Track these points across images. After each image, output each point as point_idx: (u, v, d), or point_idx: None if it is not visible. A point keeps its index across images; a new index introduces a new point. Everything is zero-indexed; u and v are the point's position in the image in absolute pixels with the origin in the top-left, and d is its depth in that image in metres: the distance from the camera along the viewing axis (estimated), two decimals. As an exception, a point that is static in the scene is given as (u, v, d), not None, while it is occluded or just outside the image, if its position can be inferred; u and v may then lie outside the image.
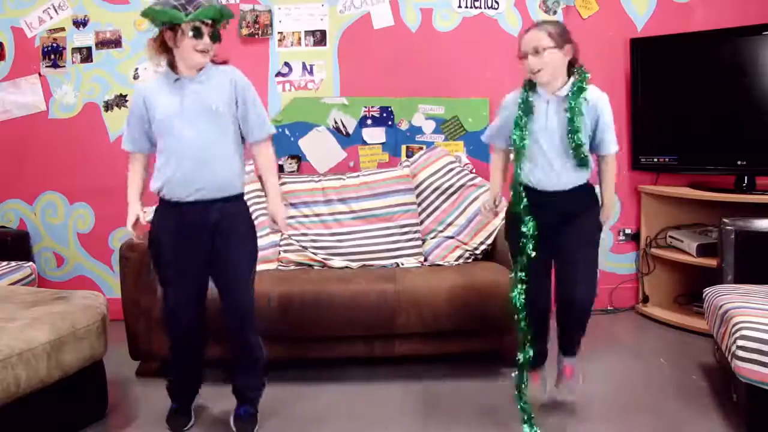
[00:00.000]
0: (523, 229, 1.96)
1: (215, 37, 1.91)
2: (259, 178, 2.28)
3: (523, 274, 1.98)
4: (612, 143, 2.06)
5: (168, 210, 2.01)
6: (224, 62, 2.02)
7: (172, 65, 1.95)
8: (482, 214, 2.26)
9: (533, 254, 1.95)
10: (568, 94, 1.97)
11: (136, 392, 2.48)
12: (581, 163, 1.99)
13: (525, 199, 1.99)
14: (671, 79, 3.20)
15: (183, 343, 2.13)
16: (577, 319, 2.08)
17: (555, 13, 3.32)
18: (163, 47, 1.92)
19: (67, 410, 2.10)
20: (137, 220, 2.05)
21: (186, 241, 1.99)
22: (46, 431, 2.03)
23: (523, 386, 2.02)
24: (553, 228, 2.00)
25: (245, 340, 2.09)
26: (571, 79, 1.99)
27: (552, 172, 2.00)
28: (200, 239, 1.98)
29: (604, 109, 2.02)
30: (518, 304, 1.98)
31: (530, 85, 2.01)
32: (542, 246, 1.97)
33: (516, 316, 1.99)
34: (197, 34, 1.87)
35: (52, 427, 2.04)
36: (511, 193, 2.04)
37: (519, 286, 1.98)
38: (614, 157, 2.11)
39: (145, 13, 1.90)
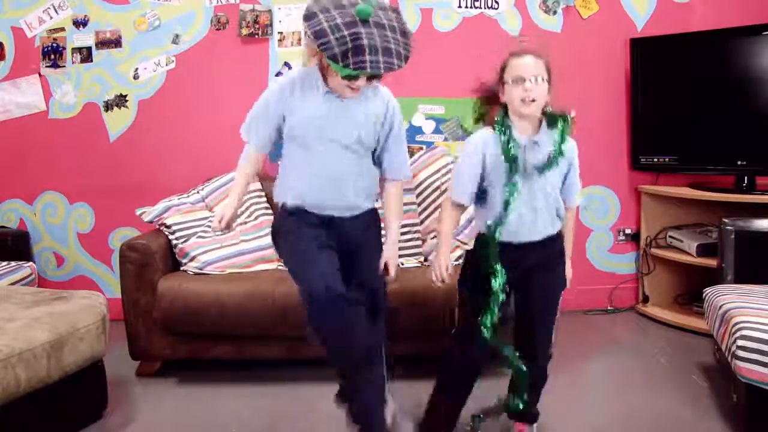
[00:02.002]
0: (494, 286, 1.82)
1: (372, 79, 1.74)
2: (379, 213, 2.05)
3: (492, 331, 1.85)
4: (578, 195, 1.95)
5: (292, 214, 1.86)
6: (378, 77, 1.78)
7: (323, 72, 1.76)
8: (434, 280, 1.96)
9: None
10: (557, 138, 1.82)
11: (136, 392, 2.48)
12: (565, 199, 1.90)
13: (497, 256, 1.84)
14: (671, 79, 3.20)
15: (349, 331, 1.79)
16: (534, 385, 1.95)
17: (555, 13, 3.32)
18: (319, 59, 1.75)
19: (67, 410, 2.10)
20: (230, 224, 1.86)
21: (316, 225, 1.83)
22: (46, 431, 2.02)
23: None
24: (516, 281, 1.87)
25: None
26: (543, 124, 1.84)
27: (526, 222, 1.84)
28: (330, 231, 1.83)
29: (575, 159, 1.89)
30: (514, 362, 1.89)
31: (504, 127, 1.82)
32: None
33: (515, 371, 1.91)
34: (350, 78, 1.68)
35: (52, 427, 2.04)
36: (483, 246, 1.87)
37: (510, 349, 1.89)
38: (575, 211, 2.00)
39: (308, 27, 1.63)
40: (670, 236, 3.30)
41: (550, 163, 1.81)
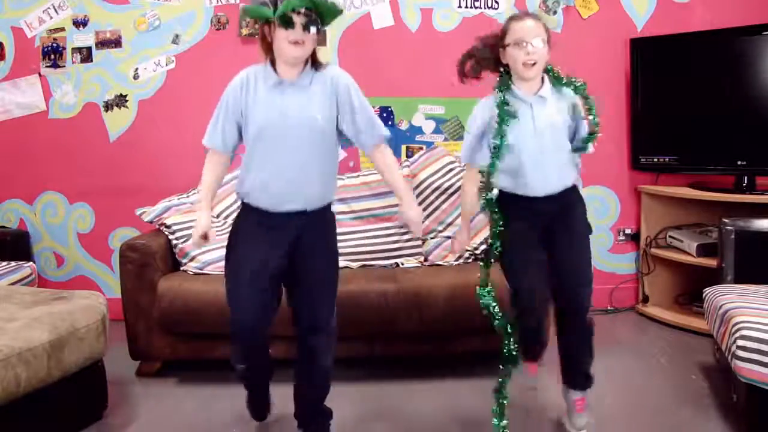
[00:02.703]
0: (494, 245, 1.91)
1: (309, 27, 1.73)
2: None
3: (487, 272, 1.96)
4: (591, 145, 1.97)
5: (251, 212, 1.91)
6: (322, 65, 1.85)
7: (274, 64, 1.82)
8: (452, 250, 2.12)
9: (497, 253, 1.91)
10: (558, 84, 1.89)
11: (136, 392, 2.48)
12: (583, 148, 1.93)
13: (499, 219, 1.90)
14: (671, 79, 3.20)
15: (256, 344, 1.98)
16: (580, 330, 1.99)
17: (555, 12, 3.32)
18: (268, 45, 1.80)
19: (67, 410, 2.10)
20: (206, 234, 1.87)
21: (265, 238, 1.86)
22: (46, 431, 2.02)
23: (505, 380, 1.97)
24: (543, 229, 1.94)
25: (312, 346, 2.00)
26: (546, 80, 1.90)
27: (542, 175, 1.89)
28: (281, 242, 1.86)
29: (579, 104, 1.93)
30: (488, 305, 1.93)
31: (505, 88, 1.89)
32: (534, 242, 1.92)
33: (490, 314, 1.93)
34: (287, 23, 1.71)
35: (52, 427, 2.04)
36: (488, 205, 1.91)
37: (487, 286, 1.95)
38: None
39: (242, 13, 1.85)
40: (670, 236, 3.30)
41: (592, 134, 1.89)
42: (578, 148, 1.95)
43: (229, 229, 2.82)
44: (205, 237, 1.88)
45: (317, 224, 1.91)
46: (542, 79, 1.90)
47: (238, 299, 1.86)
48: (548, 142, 1.88)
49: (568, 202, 1.97)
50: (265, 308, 1.88)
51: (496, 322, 1.94)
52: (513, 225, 1.91)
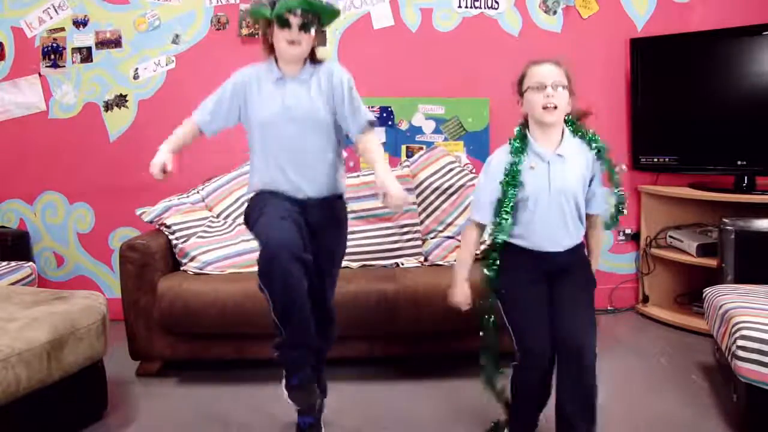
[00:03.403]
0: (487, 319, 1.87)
1: (305, 27, 1.82)
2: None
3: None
4: (605, 201, 1.90)
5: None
6: (319, 61, 1.94)
7: (276, 62, 1.92)
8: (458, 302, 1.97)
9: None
10: (587, 136, 1.82)
11: (136, 392, 2.48)
12: (615, 220, 1.87)
13: (495, 270, 1.87)
14: (671, 79, 3.20)
15: (295, 290, 1.76)
16: (585, 395, 1.80)
17: (555, 13, 3.32)
18: (269, 45, 1.89)
19: (67, 410, 2.10)
20: (164, 167, 1.91)
21: (286, 200, 1.89)
22: (46, 431, 2.02)
23: (493, 378, 1.96)
24: (546, 278, 1.85)
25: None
26: (566, 133, 1.82)
27: (553, 233, 1.82)
28: (299, 209, 1.88)
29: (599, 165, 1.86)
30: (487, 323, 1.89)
31: (521, 143, 1.81)
32: (539, 295, 1.83)
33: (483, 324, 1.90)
34: (283, 24, 1.80)
35: (52, 427, 2.04)
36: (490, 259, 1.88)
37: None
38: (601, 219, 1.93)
39: (244, 14, 1.91)
40: (670, 236, 3.30)
41: (619, 207, 1.84)
42: (608, 226, 1.89)
43: (229, 229, 2.86)
44: (164, 170, 1.91)
45: (327, 211, 1.95)
46: (562, 132, 1.82)
47: (271, 229, 1.77)
48: (562, 203, 1.81)
49: (576, 257, 1.88)
50: (301, 238, 1.79)
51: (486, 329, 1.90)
52: (514, 276, 1.85)
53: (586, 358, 1.76)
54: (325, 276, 1.98)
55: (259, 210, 1.88)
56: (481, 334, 1.93)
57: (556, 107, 1.75)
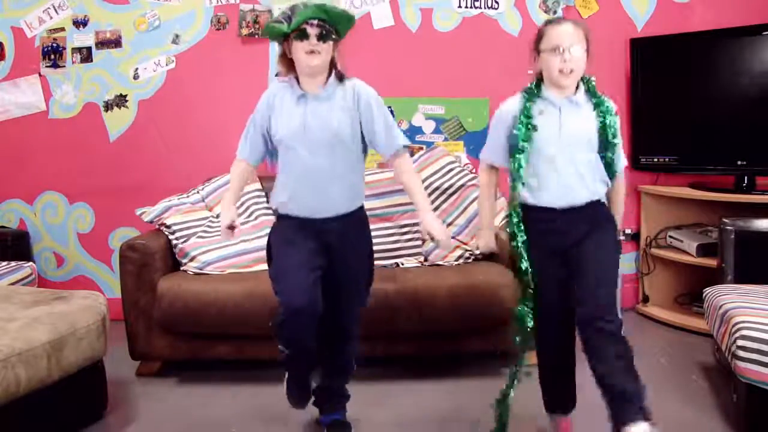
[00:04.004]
0: (522, 266, 1.81)
1: (323, 37, 1.81)
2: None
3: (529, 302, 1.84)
4: (623, 157, 1.88)
5: (287, 219, 1.94)
6: (342, 76, 1.92)
7: (298, 80, 1.90)
8: (478, 246, 2.00)
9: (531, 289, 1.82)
10: (592, 98, 1.79)
11: (136, 392, 2.48)
12: (610, 165, 1.81)
13: (522, 234, 1.81)
14: (671, 79, 3.20)
15: (305, 331, 1.89)
16: (612, 348, 1.70)
17: (555, 13, 3.32)
18: (289, 63, 1.88)
19: (67, 410, 2.10)
20: (232, 224, 1.96)
21: (303, 234, 1.90)
22: (46, 431, 2.02)
23: (509, 394, 1.93)
24: (563, 253, 1.79)
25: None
26: (581, 87, 1.80)
27: (562, 182, 1.77)
28: (319, 242, 1.90)
29: (617, 124, 1.82)
30: (523, 320, 1.83)
31: (535, 90, 1.79)
32: (555, 269, 1.79)
33: (517, 327, 1.85)
34: (302, 36, 1.80)
35: (52, 427, 2.04)
36: (510, 220, 1.83)
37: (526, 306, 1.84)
38: (623, 174, 1.90)
39: (264, 33, 1.91)
40: (670, 236, 3.30)
41: (605, 113, 1.78)
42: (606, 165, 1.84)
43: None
44: (231, 228, 1.95)
45: (349, 229, 1.94)
46: (577, 86, 1.80)
47: (288, 282, 1.84)
48: (572, 149, 1.76)
49: (596, 219, 1.81)
50: (316, 288, 1.85)
51: (518, 339, 1.85)
52: (532, 254, 1.81)
53: (610, 314, 1.71)
54: (344, 293, 1.97)
55: (279, 254, 1.92)
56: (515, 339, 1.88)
57: (572, 71, 1.72)
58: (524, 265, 1.81)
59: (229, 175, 2.06)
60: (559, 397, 1.99)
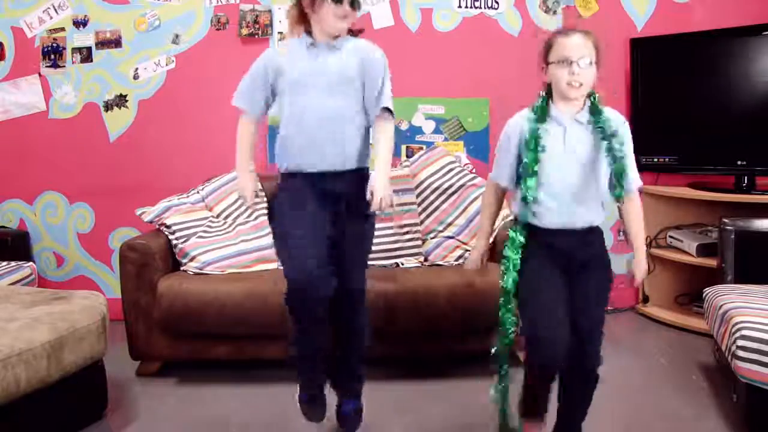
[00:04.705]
0: (506, 284, 1.78)
1: (355, 3, 1.85)
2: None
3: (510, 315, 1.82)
4: (636, 177, 1.83)
5: (292, 179, 1.93)
6: (359, 31, 1.95)
7: (309, 33, 1.91)
8: (469, 261, 1.99)
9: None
10: (598, 118, 1.74)
11: (136, 392, 2.48)
12: (618, 193, 1.77)
13: (518, 257, 1.77)
14: (671, 79, 3.20)
15: (316, 314, 1.89)
16: (583, 392, 1.83)
17: (555, 13, 3.32)
18: (301, 17, 1.90)
19: (67, 410, 2.10)
20: (252, 194, 1.97)
21: (312, 198, 1.88)
22: (46, 431, 2.02)
23: (505, 384, 1.90)
24: (561, 270, 1.77)
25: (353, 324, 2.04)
26: (587, 104, 1.76)
27: (561, 204, 1.74)
28: (326, 201, 1.89)
29: (626, 137, 1.79)
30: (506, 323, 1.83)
31: (542, 109, 1.74)
32: (554, 283, 1.74)
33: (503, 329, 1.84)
34: (338, 0, 1.81)
35: (52, 427, 2.04)
36: (511, 236, 1.79)
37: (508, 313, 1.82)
38: (637, 195, 1.86)
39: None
40: (670, 236, 3.30)
41: (609, 137, 1.73)
42: (615, 186, 1.81)
43: (229, 229, 2.85)
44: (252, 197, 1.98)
45: (353, 187, 1.92)
46: (584, 102, 1.76)
47: (297, 251, 1.82)
48: (574, 170, 1.73)
49: (591, 246, 1.80)
50: (326, 260, 1.84)
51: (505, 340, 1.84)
52: (529, 263, 1.76)
53: (593, 368, 1.81)
54: (349, 256, 1.95)
55: (282, 227, 1.91)
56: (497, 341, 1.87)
57: (581, 84, 1.68)
58: (510, 283, 1.78)
59: (239, 141, 2.01)
60: (543, 403, 1.92)
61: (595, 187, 1.77)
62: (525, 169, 1.73)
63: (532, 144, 1.71)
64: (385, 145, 1.93)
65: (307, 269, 1.80)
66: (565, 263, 1.76)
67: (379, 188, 1.84)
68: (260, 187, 2.99)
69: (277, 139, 1.97)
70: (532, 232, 1.77)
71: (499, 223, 2.30)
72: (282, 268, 1.90)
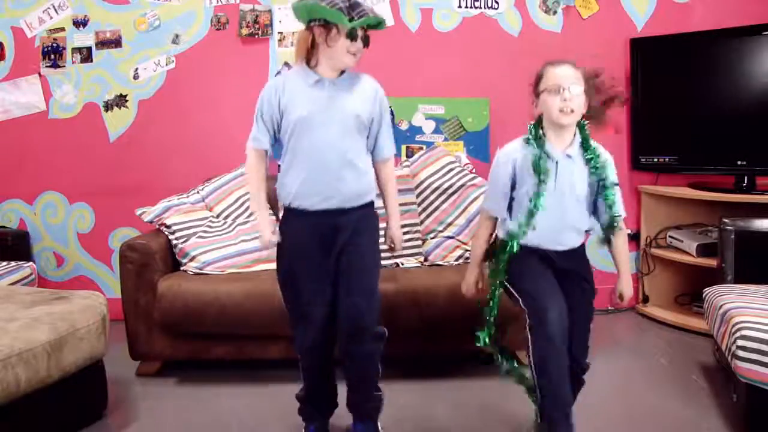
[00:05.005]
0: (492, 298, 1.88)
1: (366, 41, 1.87)
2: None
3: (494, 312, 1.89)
4: (621, 206, 1.88)
5: (295, 218, 1.91)
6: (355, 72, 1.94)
7: (309, 64, 1.87)
8: (463, 292, 2.07)
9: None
10: (589, 153, 1.81)
11: (136, 392, 2.48)
12: (610, 225, 1.85)
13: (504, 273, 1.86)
14: (671, 79, 3.20)
15: (321, 353, 1.97)
16: (575, 390, 1.86)
17: (555, 13, 3.32)
18: (310, 48, 1.85)
19: (67, 410, 2.10)
20: (270, 238, 1.93)
21: (316, 246, 1.88)
22: (46, 431, 2.02)
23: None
24: (553, 272, 1.85)
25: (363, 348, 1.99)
26: (577, 135, 1.83)
27: (554, 233, 1.84)
28: (329, 243, 1.89)
29: (613, 171, 1.86)
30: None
31: (538, 136, 1.82)
32: (549, 274, 1.83)
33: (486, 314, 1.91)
34: (353, 36, 1.81)
35: (52, 427, 2.04)
36: (500, 252, 1.88)
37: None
38: (624, 227, 1.92)
39: (304, 6, 1.81)
40: (670, 236, 3.30)
41: (611, 224, 1.85)
42: (602, 239, 1.90)
43: (229, 229, 2.86)
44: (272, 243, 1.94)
45: (361, 223, 1.93)
46: (574, 134, 1.83)
47: (301, 298, 1.91)
48: (565, 203, 1.82)
49: (579, 261, 1.90)
50: (330, 306, 1.91)
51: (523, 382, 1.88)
52: (525, 259, 1.84)
53: (581, 371, 1.89)
54: (357, 291, 1.92)
55: (288, 270, 1.95)
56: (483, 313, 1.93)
57: (572, 111, 1.75)
58: (496, 295, 1.89)
59: (249, 175, 1.98)
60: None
61: (583, 215, 1.87)
62: (533, 198, 1.79)
63: (537, 167, 1.78)
64: (393, 191, 2.05)
65: (316, 335, 1.93)
66: (553, 268, 1.85)
67: (398, 238, 2.09)
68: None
69: (280, 175, 1.94)
70: (523, 248, 1.85)
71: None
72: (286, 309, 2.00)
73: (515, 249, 1.83)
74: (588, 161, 1.82)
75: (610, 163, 1.86)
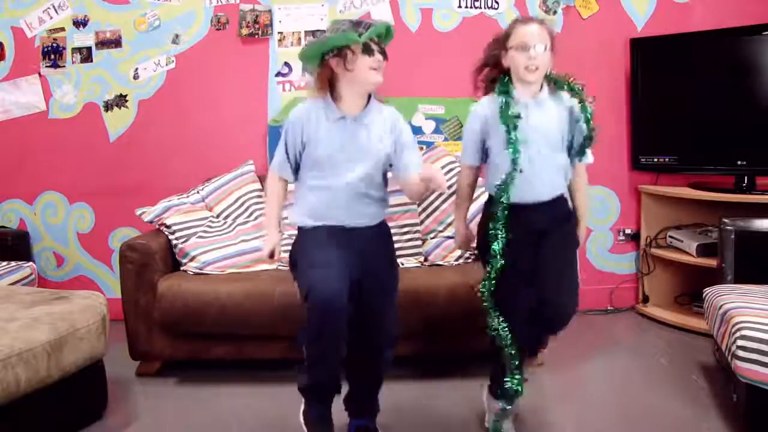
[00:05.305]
0: (493, 248, 1.86)
1: (384, 53, 1.84)
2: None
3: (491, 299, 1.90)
4: (589, 153, 1.97)
5: (309, 230, 1.92)
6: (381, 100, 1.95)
7: (333, 100, 1.88)
8: (457, 246, 2.16)
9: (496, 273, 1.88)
10: (563, 88, 1.89)
11: (136, 392, 2.48)
12: (588, 137, 1.89)
13: (504, 235, 1.87)
14: (671, 79, 3.20)
15: (333, 333, 1.80)
16: (558, 322, 1.92)
17: (555, 13, 3.32)
18: (330, 80, 1.85)
19: (67, 410, 2.10)
20: (273, 251, 1.91)
21: (334, 242, 1.87)
22: (46, 431, 2.03)
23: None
24: (530, 244, 1.90)
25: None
26: (545, 87, 1.90)
27: (530, 180, 1.88)
28: (345, 244, 1.87)
29: (577, 109, 1.92)
30: (501, 334, 1.89)
31: (504, 89, 1.89)
32: (521, 258, 1.87)
33: (499, 343, 1.91)
34: (369, 50, 1.80)
35: (52, 427, 2.04)
36: (494, 210, 1.89)
37: (494, 315, 1.90)
38: (584, 168, 2.03)
39: (311, 48, 1.82)
40: (670, 236, 3.30)
41: (589, 140, 1.90)
42: (576, 155, 1.95)
43: (229, 229, 2.86)
44: (272, 255, 1.92)
45: (377, 237, 1.96)
46: (541, 86, 1.90)
47: (316, 277, 1.76)
48: (538, 146, 1.87)
49: (560, 215, 1.97)
50: (344, 283, 1.77)
51: (511, 357, 1.90)
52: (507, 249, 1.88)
53: (567, 320, 1.90)
54: (376, 301, 1.93)
55: (305, 259, 1.86)
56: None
57: (537, 68, 1.83)
58: (498, 244, 1.88)
59: (269, 197, 2.00)
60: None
61: (557, 158, 1.92)
62: (507, 136, 1.85)
63: (506, 112, 1.85)
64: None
65: (334, 286, 1.73)
66: (536, 236, 1.91)
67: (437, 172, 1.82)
68: (260, 186, 2.99)
69: (296, 201, 1.96)
70: (509, 211, 1.89)
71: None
72: (300, 291, 1.83)
73: (504, 198, 1.86)
74: (562, 87, 1.89)
75: (578, 106, 1.91)
